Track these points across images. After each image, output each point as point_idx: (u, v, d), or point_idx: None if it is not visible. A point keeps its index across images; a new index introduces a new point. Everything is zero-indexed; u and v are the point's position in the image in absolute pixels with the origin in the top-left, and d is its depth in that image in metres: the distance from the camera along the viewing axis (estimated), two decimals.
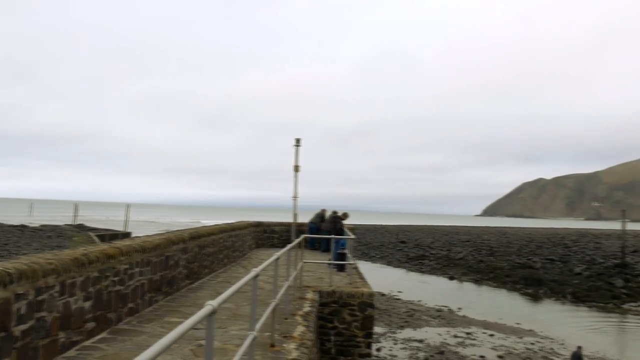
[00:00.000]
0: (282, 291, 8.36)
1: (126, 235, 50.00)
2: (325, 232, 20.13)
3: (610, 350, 25.76)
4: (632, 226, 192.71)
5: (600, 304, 37.81)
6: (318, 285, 13.32)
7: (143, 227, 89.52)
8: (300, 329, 8.94)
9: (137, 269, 9.05)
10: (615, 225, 77.94)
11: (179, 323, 4.19)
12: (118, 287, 8.31)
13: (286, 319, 9.52)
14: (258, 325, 6.00)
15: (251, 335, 5.55)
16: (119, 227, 70.77)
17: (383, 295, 38.08)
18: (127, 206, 67.40)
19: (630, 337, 29.87)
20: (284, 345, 7.82)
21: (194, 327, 3.15)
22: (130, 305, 8.80)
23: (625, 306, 37.22)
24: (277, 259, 7.90)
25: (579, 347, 21.50)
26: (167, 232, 12.49)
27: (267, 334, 7.92)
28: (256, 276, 5.87)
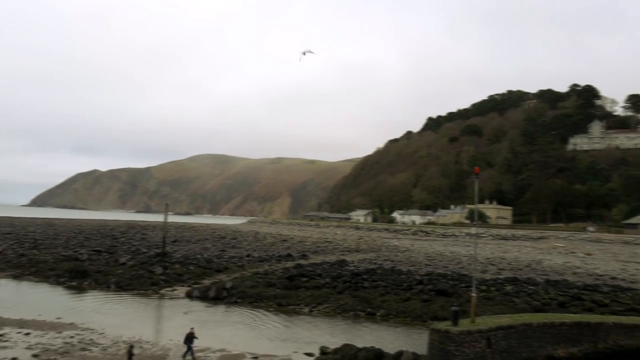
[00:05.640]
0: None
1: None
2: None
3: (147, 332, 27.65)
4: (174, 218, 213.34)
5: (142, 291, 40.26)
6: None
7: None
8: None
9: None
10: (161, 218, 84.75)
11: None
12: None
13: None
14: None
15: None
16: None
17: None
18: None
19: (165, 318, 32.79)
20: None
21: None
22: None
23: (163, 291, 40.73)
24: None
25: (192, 328, 23.45)
26: None
27: None
28: None
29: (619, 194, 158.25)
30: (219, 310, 34.92)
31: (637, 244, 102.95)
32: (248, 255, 64.94)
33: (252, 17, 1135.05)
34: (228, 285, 40.34)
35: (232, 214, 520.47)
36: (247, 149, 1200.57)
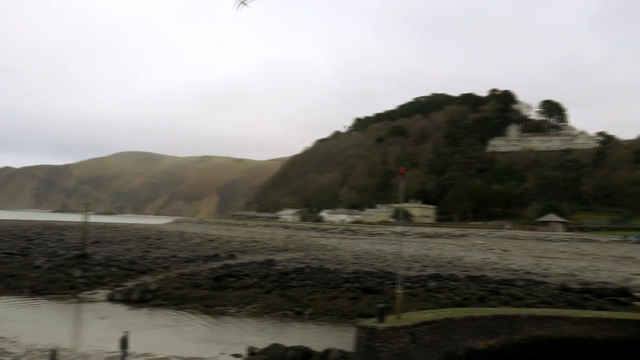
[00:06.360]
0: None
1: None
2: None
3: (65, 339, 26.33)
4: (95, 218, 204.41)
5: (59, 295, 38.28)
6: None
7: None
8: None
9: None
10: (80, 218, 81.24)
11: None
12: None
13: None
14: None
15: None
16: None
17: None
18: None
19: (84, 323, 31.37)
20: None
21: None
22: None
23: (82, 295, 38.90)
24: None
25: (126, 332, 22.32)
26: None
27: None
28: None
29: (533, 193, 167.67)
30: (143, 313, 33.82)
31: (549, 240, 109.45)
32: (174, 256, 63.39)
33: (178, 13, 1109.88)
34: (152, 287, 39.16)
35: (157, 213, 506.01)
36: (173, 147, 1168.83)
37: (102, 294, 39.07)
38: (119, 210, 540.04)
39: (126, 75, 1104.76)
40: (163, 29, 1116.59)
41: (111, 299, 37.41)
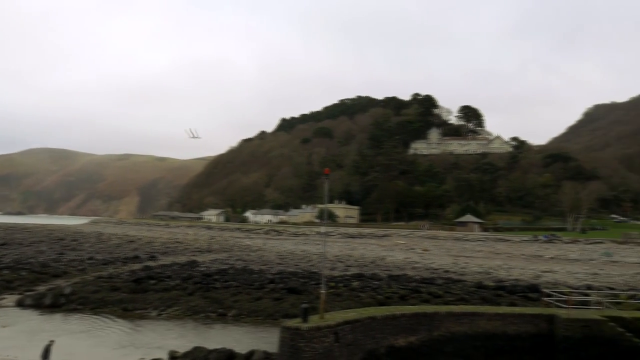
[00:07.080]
0: None
1: None
2: None
3: None
4: (3, 219, 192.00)
5: None
6: None
7: None
8: None
9: None
10: None
11: None
12: None
13: None
14: None
15: None
16: None
17: None
18: None
19: None
20: None
21: None
22: None
23: None
24: None
25: (51, 341, 21.03)
26: None
27: None
28: None
29: (452, 195, 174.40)
30: (56, 319, 32.08)
31: (466, 240, 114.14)
32: (90, 258, 60.61)
33: (99, 5, 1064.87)
34: (67, 290, 37.25)
35: (73, 213, 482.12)
36: (90, 144, 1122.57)
37: (10, 299, 36.69)
38: (30, 210, 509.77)
39: (40, 67, 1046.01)
40: (82, 21, 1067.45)
41: (21, 304, 35.22)
